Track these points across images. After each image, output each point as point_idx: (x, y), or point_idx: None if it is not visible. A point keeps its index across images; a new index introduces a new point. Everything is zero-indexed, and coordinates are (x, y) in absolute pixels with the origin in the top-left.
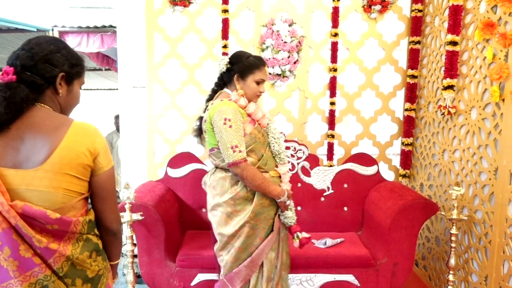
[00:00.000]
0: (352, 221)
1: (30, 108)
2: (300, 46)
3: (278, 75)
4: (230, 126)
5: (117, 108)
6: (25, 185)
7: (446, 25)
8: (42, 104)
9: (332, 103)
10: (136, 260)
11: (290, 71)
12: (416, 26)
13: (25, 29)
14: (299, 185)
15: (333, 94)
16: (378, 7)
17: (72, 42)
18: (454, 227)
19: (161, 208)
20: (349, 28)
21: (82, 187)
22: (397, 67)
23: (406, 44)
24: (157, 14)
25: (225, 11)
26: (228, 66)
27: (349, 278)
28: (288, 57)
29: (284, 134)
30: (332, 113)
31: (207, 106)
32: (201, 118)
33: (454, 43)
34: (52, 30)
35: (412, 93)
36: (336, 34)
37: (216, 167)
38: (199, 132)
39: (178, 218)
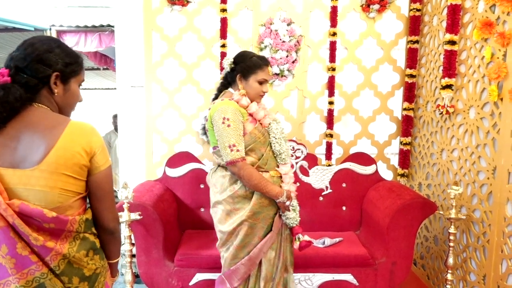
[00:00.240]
0: (350, 221)
1: (27, 108)
2: (299, 45)
3: (277, 74)
4: (229, 125)
5: (115, 107)
6: (22, 185)
7: (444, 24)
8: (39, 104)
9: (331, 103)
10: (135, 259)
11: (288, 70)
12: (415, 25)
13: (23, 29)
14: (298, 184)
15: (331, 93)
16: (376, 6)
17: (70, 41)
18: (452, 226)
19: (160, 208)
20: (348, 27)
21: (78, 187)
22: (396, 67)
23: (405, 44)
24: (155, 13)
25: (224, 10)
26: (232, 66)
27: (348, 277)
28: (287, 56)
29: None
30: (330, 112)
31: None
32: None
33: (452, 43)
34: (50, 29)
35: (410, 93)
36: (334, 34)
37: (218, 165)
38: (205, 130)
39: (176, 217)
